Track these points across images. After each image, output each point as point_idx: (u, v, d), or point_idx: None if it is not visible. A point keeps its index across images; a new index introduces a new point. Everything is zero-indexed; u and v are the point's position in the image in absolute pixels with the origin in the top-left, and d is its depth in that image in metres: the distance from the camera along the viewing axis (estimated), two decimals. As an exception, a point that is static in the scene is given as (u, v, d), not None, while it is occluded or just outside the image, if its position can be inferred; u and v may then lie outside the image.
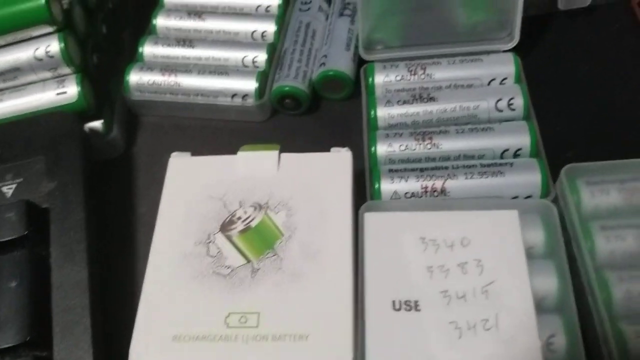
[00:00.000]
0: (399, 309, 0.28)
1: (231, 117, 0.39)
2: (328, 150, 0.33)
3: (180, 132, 0.39)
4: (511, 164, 0.32)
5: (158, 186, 0.33)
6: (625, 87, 0.38)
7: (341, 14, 0.40)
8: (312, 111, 0.39)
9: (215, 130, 0.39)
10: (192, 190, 0.32)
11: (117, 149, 0.38)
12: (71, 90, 0.35)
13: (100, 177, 0.37)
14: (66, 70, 0.35)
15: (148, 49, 0.40)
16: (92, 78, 0.36)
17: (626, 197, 0.31)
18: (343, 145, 0.34)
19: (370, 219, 0.31)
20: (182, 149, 0.38)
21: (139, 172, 0.38)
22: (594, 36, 0.41)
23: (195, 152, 0.38)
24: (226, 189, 0.32)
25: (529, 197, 0.32)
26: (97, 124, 0.37)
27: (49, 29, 0.34)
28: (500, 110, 0.35)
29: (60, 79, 0.35)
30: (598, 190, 0.31)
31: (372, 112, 0.36)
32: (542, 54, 0.40)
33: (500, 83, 0.36)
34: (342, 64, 0.38)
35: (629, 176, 0.31)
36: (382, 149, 0.34)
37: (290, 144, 0.38)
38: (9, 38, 0.34)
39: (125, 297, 0.32)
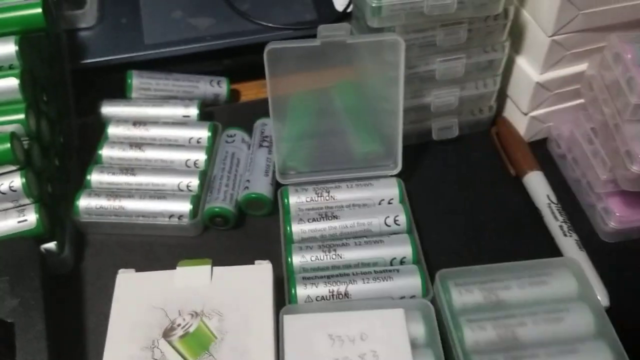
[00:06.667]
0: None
1: (168, 233, 0.46)
2: (253, 261, 0.40)
3: (123, 248, 0.46)
4: (397, 270, 0.41)
5: (104, 299, 0.39)
6: (486, 203, 0.48)
7: (260, 145, 0.49)
8: (238, 226, 0.47)
9: (154, 245, 0.46)
10: (137, 301, 0.39)
11: (67, 266, 0.44)
12: (31, 218, 0.41)
13: (53, 292, 0.43)
14: (26, 201, 0.41)
15: (95, 177, 0.47)
16: (47, 205, 0.43)
17: (485, 295, 0.40)
18: (266, 256, 0.41)
19: (289, 321, 0.38)
20: (125, 264, 0.45)
21: (87, 286, 0.44)
22: (461, 160, 0.51)
23: (137, 266, 0.44)
24: (167, 299, 0.39)
25: (413, 296, 0.41)
26: (51, 245, 0.42)
27: (13, 168, 0.40)
28: (389, 226, 0.44)
29: (20, 209, 0.41)
30: (465, 290, 0.40)
31: (288, 229, 0.44)
32: (422, 176, 0.50)
33: (388, 203, 0.45)
34: (262, 187, 0.46)
35: (487, 278, 0.40)
36: (297, 259, 0.42)
37: (220, 255, 0.45)
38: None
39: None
